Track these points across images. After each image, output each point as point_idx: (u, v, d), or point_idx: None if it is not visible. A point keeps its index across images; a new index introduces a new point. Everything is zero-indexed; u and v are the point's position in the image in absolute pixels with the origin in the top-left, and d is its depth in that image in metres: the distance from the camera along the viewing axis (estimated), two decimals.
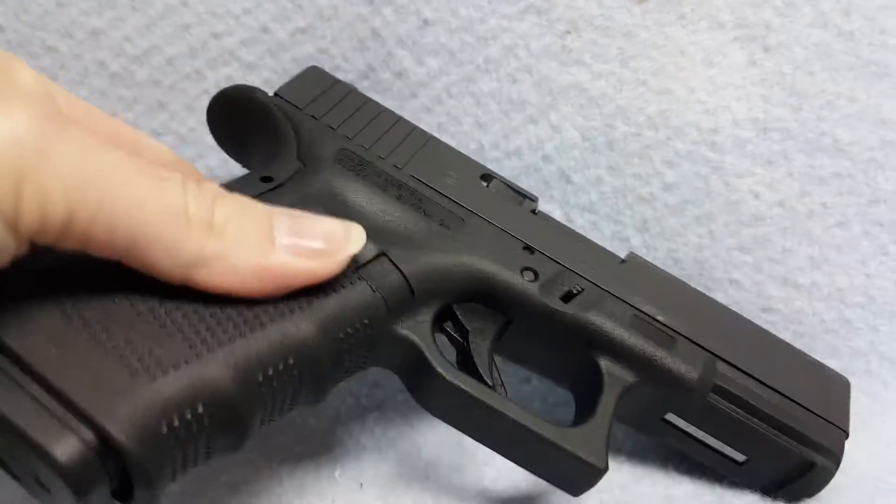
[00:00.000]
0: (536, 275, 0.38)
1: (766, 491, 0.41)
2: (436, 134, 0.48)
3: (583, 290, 0.39)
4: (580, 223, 0.48)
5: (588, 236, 0.47)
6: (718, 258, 0.47)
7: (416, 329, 0.36)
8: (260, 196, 0.33)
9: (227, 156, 0.48)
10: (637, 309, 0.39)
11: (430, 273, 0.37)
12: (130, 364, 0.27)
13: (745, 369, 0.40)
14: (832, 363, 0.47)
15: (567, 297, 0.38)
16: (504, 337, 0.39)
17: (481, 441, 0.37)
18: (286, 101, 0.40)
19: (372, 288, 0.34)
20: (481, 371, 0.37)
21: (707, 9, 0.44)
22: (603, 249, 0.41)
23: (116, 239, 0.26)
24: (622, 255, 0.42)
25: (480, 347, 0.38)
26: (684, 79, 0.45)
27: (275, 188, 0.35)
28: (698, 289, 0.43)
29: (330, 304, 0.32)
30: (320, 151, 0.38)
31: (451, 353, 0.38)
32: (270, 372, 0.30)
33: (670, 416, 0.39)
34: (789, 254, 0.47)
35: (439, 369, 0.35)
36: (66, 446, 0.24)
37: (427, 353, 0.36)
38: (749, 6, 0.44)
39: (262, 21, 0.47)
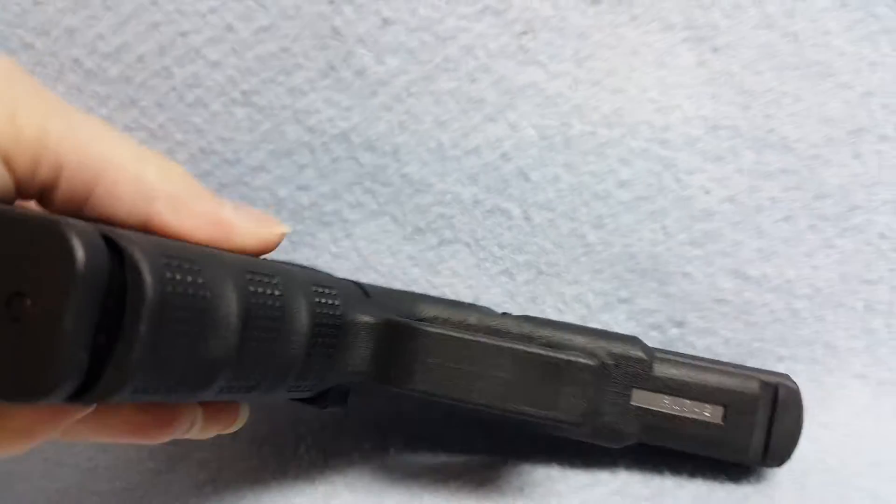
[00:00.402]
0: None
1: (758, 456, 0.42)
2: (396, 132, 0.50)
3: None
4: (538, 221, 0.49)
5: (546, 234, 0.50)
6: (672, 252, 0.49)
7: (381, 314, 0.37)
8: None
9: (194, 151, 0.50)
10: None
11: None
12: None
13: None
14: (780, 351, 0.49)
15: None
16: None
17: (472, 400, 0.37)
18: None
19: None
20: None
21: (657, 10, 0.45)
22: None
23: (86, 167, 0.28)
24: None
25: None
26: (637, 78, 0.46)
27: None
28: (653, 283, 0.46)
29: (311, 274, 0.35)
30: None
31: None
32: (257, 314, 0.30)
33: (637, 397, 0.41)
34: (739, 247, 0.48)
35: (423, 327, 0.36)
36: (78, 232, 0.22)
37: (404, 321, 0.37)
38: (698, 8, 0.45)
39: (227, 20, 0.48)
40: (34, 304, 0.22)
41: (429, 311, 0.41)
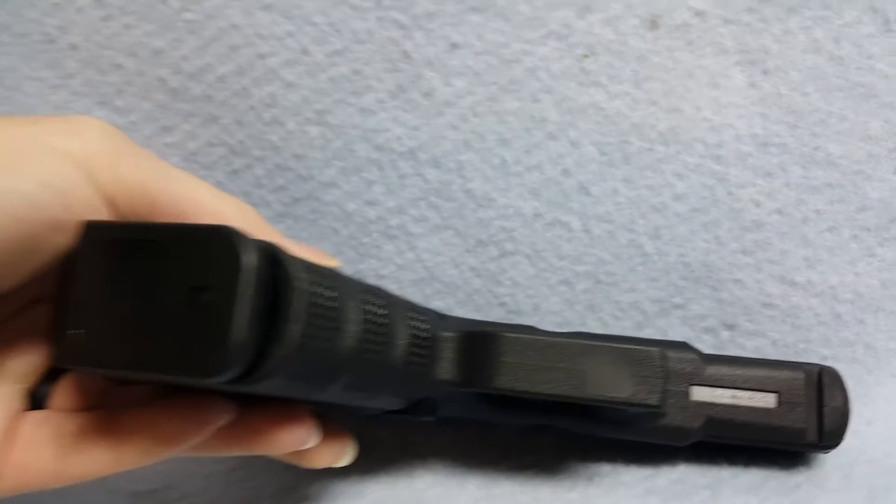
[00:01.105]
0: None
1: (814, 437, 0.45)
2: (461, 149, 0.53)
3: None
4: (597, 232, 0.52)
5: (604, 245, 0.53)
6: (724, 260, 0.52)
7: (460, 328, 0.42)
8: None
9: (270, 167, 0.53)
10: None
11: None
12: None
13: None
14: (824, 352, 0.52)
15: None
16: None
17: (553, 392, 0.40)
18: None
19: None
20: None
21: (712, 36, 0.49)
22: None
23: (174, 206, 0.32)
24: None
25: None
26: (692, 99, 0.50)
27: None
28: (706, 290, 0.49)
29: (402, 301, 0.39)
30: None
31: None
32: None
33: (695, 393, 0.44)
34: (787, 255, 0.52)
35: (501, 332, 0.40)
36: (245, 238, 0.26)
37: (482, 330, 0.41)
38: (750, 34, 0.48)
39: (303, 43, 0.51)
40: (211, 297, 0.25)
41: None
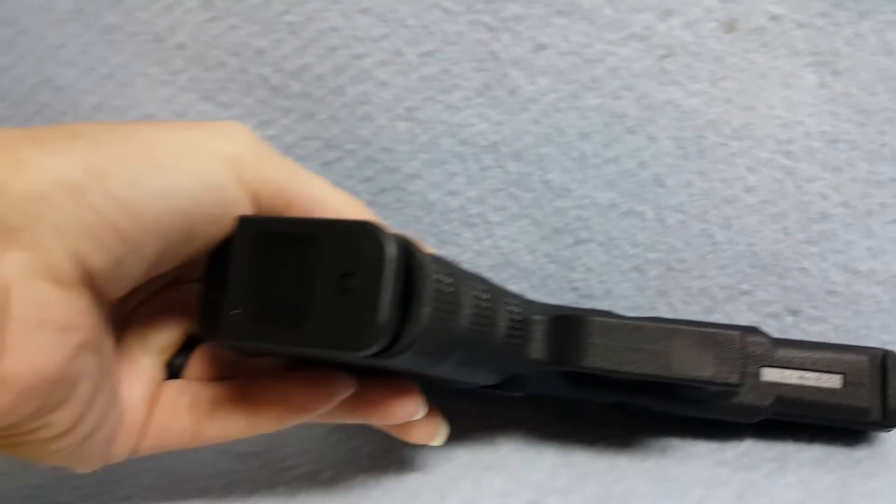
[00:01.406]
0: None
1: (879, 415, 0.47)
2: (542, 143, 0.56)
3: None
4: (670, 222, 0.55)
5: (677, 234, 0.56)
6: (790, 250, 0.55)
7: (549, 312, 0.46)
8: None
9: (360, 159, 0.56)
10: None
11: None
12: None
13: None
14: (884, 337, 0.55)
15: None
16: None
17: (639, 371, 0.43)
18: None
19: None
20: None
21: (786, 39, 0.51)
22: None
23: (305, 202, 0.36)
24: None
25: None
26: (765, 97, 0.52)
27: None
28: (772, 277, 0.52)
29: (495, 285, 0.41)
30: None
31: None
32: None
33: (765, 374, 0.47)
34: (851, 245, 0.54)
35: (588, 317, 0.43)
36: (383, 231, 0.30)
37: (570, 314, 0.44)
38: (822, 37, 0.51)
39: (397, 45, 0.54)
40: (359, 282, 0.30)
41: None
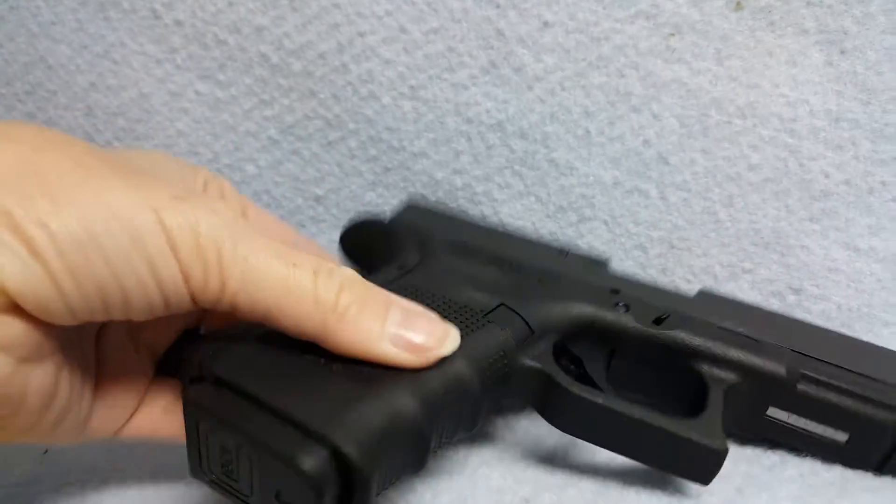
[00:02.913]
0: (628, 307, 0.45)
1: (874, 468, 0.45)
2: (547, 122, 0.56)
3: (669, 315, 0.45)
4: (673, 200, 0.56)
5: (679, 212, 0.56)
6: (793, 227, 0.55)
7: (541, 358, 0.42)
8: (395, 281, 0.42)
9: (364, 139, 0.56)
10: (718, 326, 0.45)
11: (542, 314, 0.44)
12: (341, 394, 0.33)
13: (824, 359, 0.44)
14: (886, 316, 0.55)
15: (658, 321, 0.44)
16: (611, 367, 0.46)
17: (607, 446, 0.41)
18: (402, 221, 0.50)
19: (500, 327, 0.41)
20: (599, 385, 0.43)
21: (794, 17, 0.51)
22: (675, 291, 0.49)
23: (255, 309, 0.33)
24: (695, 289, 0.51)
25: (596, 371, 0.45)
26: (770, 76, 0.52)
27: (406, 273, 0.44)
28: (774, 255, 0.52)
29: (472, 342, 0.39)
30: (436, 244, 0.48)
31: None
32: (441, 401, 0.36)
33: (772, 411, 0.45)
34: (852, 223, 0.55)
35: (565, 385, 0.40)
36: (311, 459, 0.30)
37: (553, 375, 0.41)
38: (830, 15, 0.51)
39: (401, 22, 0.54)
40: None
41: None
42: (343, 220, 0.58)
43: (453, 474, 0.47)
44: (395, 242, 0.50)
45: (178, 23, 0.54)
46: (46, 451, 0.47)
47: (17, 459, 0.47)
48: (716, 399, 0.43)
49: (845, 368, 0.44)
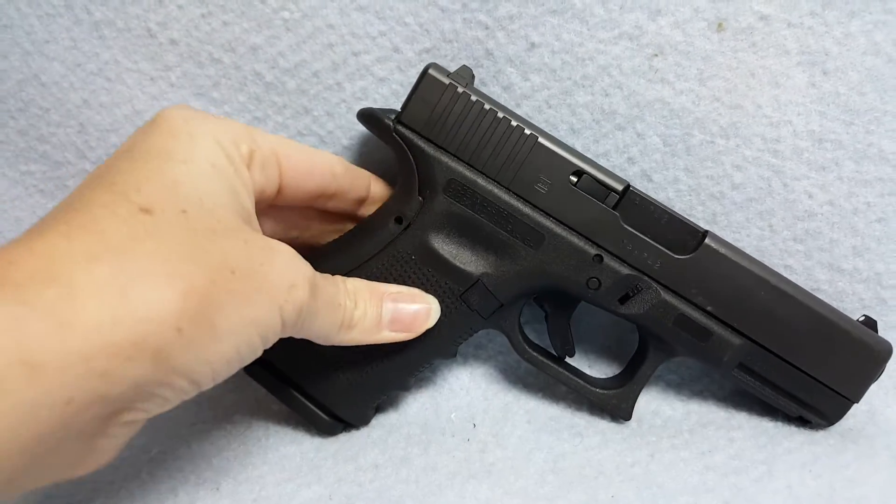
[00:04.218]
0: (599, 283, 0.50)
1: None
2: None
3: (640, 290, 0.50)
4: None
5: None
6: (776, 247, 0.56)
7: (506, 325, 0.53)
8: (394, 241, 0.50)
9: (358, 153, 0.56)
10: (689, 302, 0.50)
11: (516, 287, 0.51)
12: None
13: (773, 350, 0.50)
14: None
15: (624, 299, 0.50)
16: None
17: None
18: (407, 127, 0.49)
19: (470, 308, 0.51)
20: (560, 333, 0.54)
21: (775, 38, 0.52)
22: (681, 227, 0.49)
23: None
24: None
25: (559, 322, 0.54)
26: (753, 96, 0.53)
27: (405, 229, 0.50)
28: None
29: (442, 331, 0.51)
30: (435, 185, 0.49)
31: None
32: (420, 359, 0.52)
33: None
34: (835, 244, 0.56)
35: (520, 353, 0.54)
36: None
37: (513, 342, 0.53)
38: (812, 36, 0.52)
39: (395, 42, 0.55)
40: None
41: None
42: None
43: (442, 488, 0.47)
44: (398, 162, 0.51)
45: (173, 41, 0.55)
46: None
47: None
48: (643, 375, 0.53)
49: (786, 360, 0.51)
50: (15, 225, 0.60)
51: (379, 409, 0.56)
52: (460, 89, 0.48)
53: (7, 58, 0.57)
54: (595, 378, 0.56)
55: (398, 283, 0.50)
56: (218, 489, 0.46)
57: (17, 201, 0.60)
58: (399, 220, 0.50)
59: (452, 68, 0.54)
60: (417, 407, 0.56)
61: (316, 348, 0.45)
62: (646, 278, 0.50)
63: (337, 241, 0.52)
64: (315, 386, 0.51)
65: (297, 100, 0.56)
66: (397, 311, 0.48)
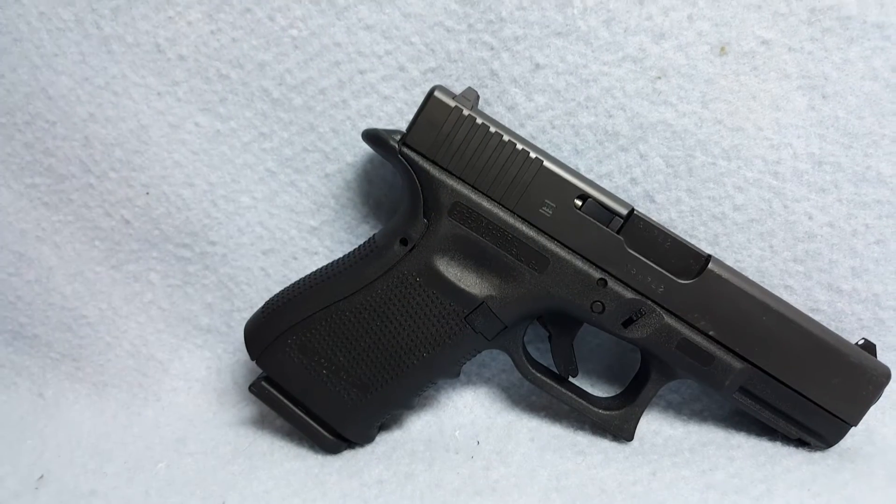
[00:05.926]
0: (603, 307, 0.50)
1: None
2: None
3: (643, 314, 0.51)
4: None
5: None
6: (776, 268, 0.57)
7: (510, 345, 0.53)
8: (399, 262, 0.50)
9: (363, 170, 0.57)
10: (692, 326, 0.50)
11: (520, 310, 0.51)
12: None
13: (774, 374, 0.51)
14: None
15: (627, 323, 0.51)
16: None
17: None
18: (412, 149, 0.50)
19: (475, 330, 0.51)
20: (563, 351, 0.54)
21: (776, 62, 0.53)
22: (685, 252, 0.50)
23: None
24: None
25: (562, 342, 0.54)
26: (754, 119, 0.54)
27: (410, 250, 0.51)
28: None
29: (446, 352, 0.51)
30: (440, 208, 0.50)
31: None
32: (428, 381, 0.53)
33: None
34: (835, 265, 0.56)
35: (523, 373, 0.54)
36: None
37: (516, 362, 0.54)
38: (812, 61, 0.53)
39: (401, 61, 0.55)
40: None
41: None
42: (337, 253, 0.59)
43: None
44: (403, 184, 0.51)
45: (182, 57, 0.56)
46: (41, 477, 0.47)
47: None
48: (646, 397, 0.53)
49: (787, 385, 0.51)
50: (19, 237, 0.60)
51: (383, 426, 0.56)
52: (466, 112, 0.49)
53: (16, 71, 0.58)
54: (597, 398, 0.56)
55: (402, 305, 0.50)
56: None
57: (22, 213, 0.60)
58: (404, 242, 0.50)
59: (457, 88, 0.55)
60: (421, 425, 0.56)
61: (320, 367, 0.46)
62: (649, 302, 0.50)
63: (341, 262, 0.52)
64: (319, 404, 0.51)
65: (304, 116, 0.56)
66: None
